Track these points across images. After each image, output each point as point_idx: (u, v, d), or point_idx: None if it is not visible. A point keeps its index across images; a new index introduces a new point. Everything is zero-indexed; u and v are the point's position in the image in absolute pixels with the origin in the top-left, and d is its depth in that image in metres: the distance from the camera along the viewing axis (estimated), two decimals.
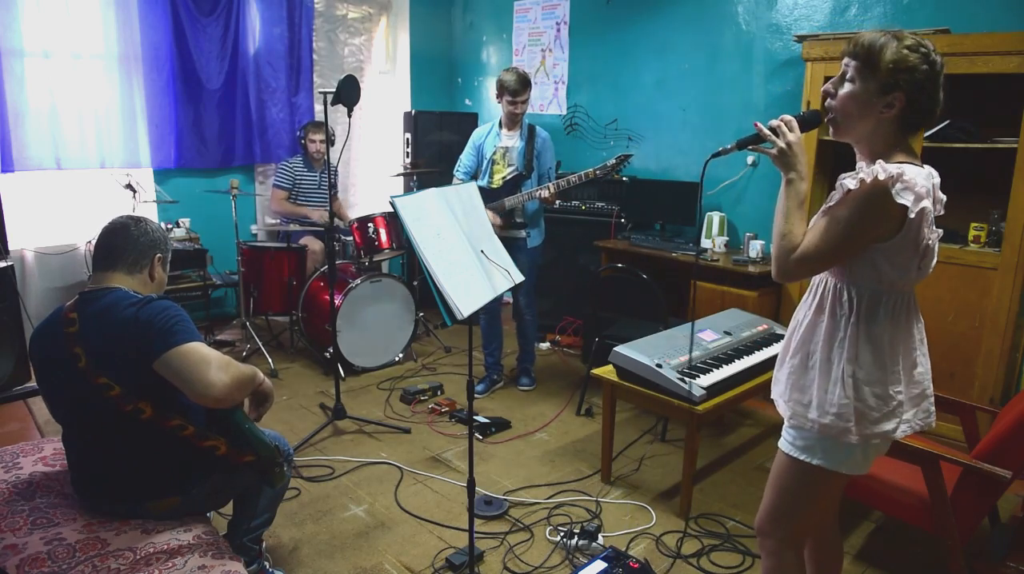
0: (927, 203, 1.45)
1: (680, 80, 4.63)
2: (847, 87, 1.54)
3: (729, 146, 1.68)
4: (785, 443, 1.69)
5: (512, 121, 3.78)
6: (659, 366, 2.72)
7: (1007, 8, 3.28)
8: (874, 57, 1.49)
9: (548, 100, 5.43)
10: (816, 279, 1.65)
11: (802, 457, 1.64)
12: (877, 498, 2.35)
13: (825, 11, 3.91)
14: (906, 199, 1.42)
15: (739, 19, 4.28)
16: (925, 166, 1.60)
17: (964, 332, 3.29)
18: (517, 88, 3.64)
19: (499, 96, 3.72)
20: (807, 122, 1.63)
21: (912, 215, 1.43)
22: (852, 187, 1.46)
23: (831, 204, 1.51)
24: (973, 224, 3.30)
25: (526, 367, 4.14)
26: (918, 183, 1.44)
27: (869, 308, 1.54)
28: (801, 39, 3.78)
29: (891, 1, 3.65)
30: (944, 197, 1.61)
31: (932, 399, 1.64)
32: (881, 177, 1.43)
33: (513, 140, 3.80)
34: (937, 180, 1.60)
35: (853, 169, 1.58)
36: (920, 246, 1.48)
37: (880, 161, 1.47)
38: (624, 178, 4.75)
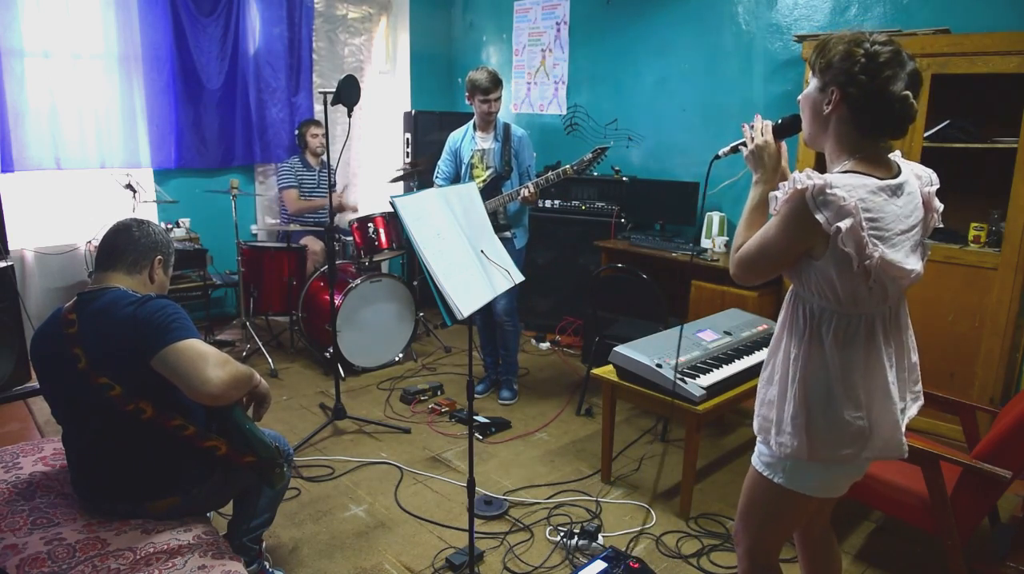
0: (849, 222, 1.31)
1: (680, 80, 4.63)
2: (805, 90, 1.52)
3: (726, 149, 1.74)
4: (754, 456, 1.66)
5: (486, 122, 3.70)
6: (659, 366, 2.71)
7: (1007, 8, 3.28)
8: (820, 54, 1.46)
9: (548, 100, 5.43)
10: (788, 292, 1.59)
11: (765, 473, 1.61)
12: (877, 498, 2.35)
13: (825, 11, 3.91)
14: (823, 214, 1.32)
15: (739, 19, 4.28)
16: (923, 171, 1.53)
17: (964, 332, 3.29)
18: (488, 86, 3.55)
19: (470, 96, 3.62)
20: (787, 127, 1.61)
21: (829, 231, 1.32)
22: (780, 196, 1.40)
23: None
24: (973, 224, 3.30)
25: (508, 379, 3.97)
26: (846, 197, 1.32)
27: (819, 327, 1.47)
28: (801, 39, 3.78)
29: (891, 1, 3.65)
30: (940, 206, 1.54)
31: (903, 431, 1.54)
32: (798, 187, 1.34)
33: (488, 142, 3.72)
34: (933, 187, 1.53)
35: None
36: (855, 265, 1.36)
37: (808, 169, 1.39)
38: (624, 178, 4.75)
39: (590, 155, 3.47)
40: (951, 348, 3.32)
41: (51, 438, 2.31)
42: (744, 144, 1.64)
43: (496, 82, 3.59)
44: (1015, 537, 2.53)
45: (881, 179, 1.40)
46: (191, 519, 1.89)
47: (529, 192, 3.54)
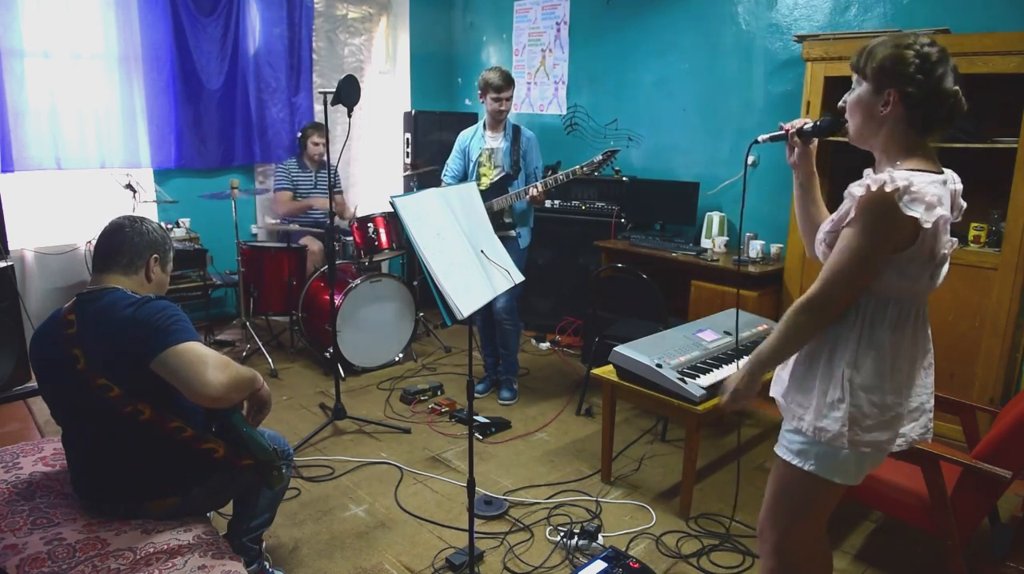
0: (941, 211, 1.41)
1: (680, 80, 4.62)
2: (852, 93, 1.57)
3: (766, 136, 1.78)
4: (781, 447, 1.68)
5: (496, 121, 3.75)
6: (659, 366, 2.71)
7: (1007, 8, 3.28)
8: (868, 59, 1.51)
9: (548, 100, 5.43)
10: None
11: (795, 462, 1.63)
12: (877, 498, 2.35)
13: (825, 11, 3.91)
14: (916, 211, 1.38)
15: (739, 19, 4.28)
16: (947, 171, 1.58)
17: (964, 332, 3.29)
18: (500, 84, 3.62)
19: (482, 95, 3.69)
20: (824, 129, 1.66)
21: (927, 226, 1.39)
22: (860, 194, 1.44)
23: (845, 220, 1.48)
24: (973, 224, 3.30)
25: (508, 379, 3.97)
26: (928, 192, 1.40)
27: (874, 314, 1.53)
28: (801, 39, 3.78)
29: (891, 1, 3.65)
30: (964, 204, 1.60)
31: (931, 415, 1.61)
32: (888, 189, 1.39)
33: (498, 141, 3.76)
34: (958, 186, 1.59)
35: (855, 175, 1.59)
36: (936, 256, 1.46)
37: (889, 170, 1.45)
38: (624, 178, 4.75)
39: (600, 157, 3.47)
40: (951, 348, 3.32)
41: (51, 438, 2.31)
42: (784, 135, 1.70)
43: (508, 81, 3.66)
44: (1015, 537, 2.53)
45: (936, 175, 1.48)
46: (191, 519, 1.89)
47: (537, 192, 3.56)
